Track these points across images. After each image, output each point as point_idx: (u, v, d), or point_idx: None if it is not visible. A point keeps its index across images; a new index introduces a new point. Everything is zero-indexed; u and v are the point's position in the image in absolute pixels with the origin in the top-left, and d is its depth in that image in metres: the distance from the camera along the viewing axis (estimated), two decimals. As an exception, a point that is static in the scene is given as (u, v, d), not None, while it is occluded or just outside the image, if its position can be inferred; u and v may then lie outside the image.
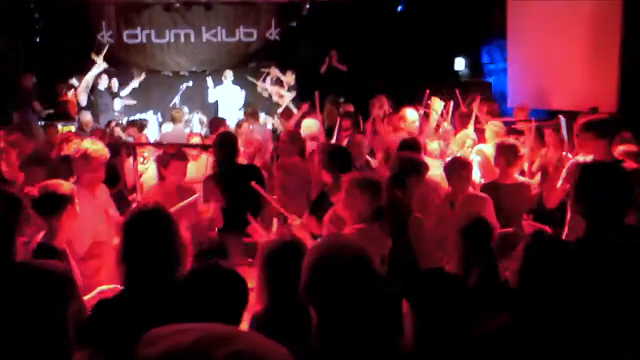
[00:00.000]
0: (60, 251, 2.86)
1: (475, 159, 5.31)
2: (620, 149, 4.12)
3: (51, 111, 9.64)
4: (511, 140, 4.45)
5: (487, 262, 2.59)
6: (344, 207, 3.19)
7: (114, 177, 4.65)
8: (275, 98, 10.94)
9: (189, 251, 2.27)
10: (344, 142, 5.96)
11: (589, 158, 3.82)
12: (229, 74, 10.40)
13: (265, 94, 11.23)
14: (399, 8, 11.21)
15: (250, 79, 11.15)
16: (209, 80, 10.72)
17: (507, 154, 4.17)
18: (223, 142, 4.47)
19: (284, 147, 5.15)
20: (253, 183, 3.61)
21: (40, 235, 2.91)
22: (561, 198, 3.97)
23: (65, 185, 2.97)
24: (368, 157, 5.26)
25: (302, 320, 1.78)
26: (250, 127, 7.04)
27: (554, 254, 2.06)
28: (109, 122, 8.60)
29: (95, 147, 3.60)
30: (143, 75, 10.63)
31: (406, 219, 3.39)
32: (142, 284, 2.16)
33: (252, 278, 2.30)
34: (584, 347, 1.78)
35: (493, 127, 5.58)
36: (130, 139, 7.25)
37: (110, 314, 2.13)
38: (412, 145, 4.49)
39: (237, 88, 10.47)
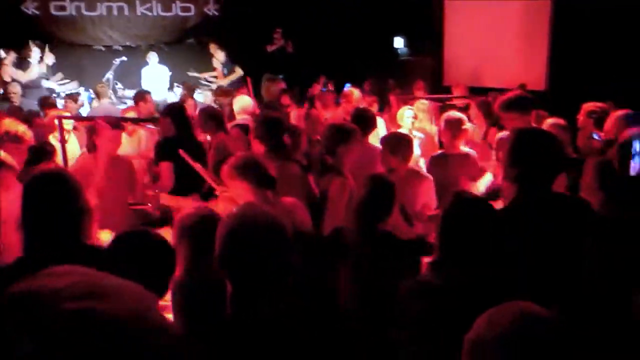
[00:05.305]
0: None
1: (417, 136, 5.41)
2: (549, 122, 4.25)
3: None
4: (457, 114, 4.57)
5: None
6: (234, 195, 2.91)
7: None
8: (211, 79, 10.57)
9: (94, 217, 2.16)
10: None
11: None
12: (152, 55, 9.96)
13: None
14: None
15: (191, 74, 10.48)
16: (153, 55, 10.02)
17: (452, 127, 4.37)
18: (175, 111, 4.59)
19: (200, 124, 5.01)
20: (181, 151, 3.49)
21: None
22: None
23: None
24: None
25: (219, 289, 1.74)
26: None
27: (472, 211, 2.08)
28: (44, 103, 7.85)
29: (23, 128, 3.53)
30: (47, 53, 9.32)
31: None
32: (40, 251, 2.02)
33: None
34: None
35: (421, 105, 5.80)
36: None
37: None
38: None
39: (165, 68, 10.07)
